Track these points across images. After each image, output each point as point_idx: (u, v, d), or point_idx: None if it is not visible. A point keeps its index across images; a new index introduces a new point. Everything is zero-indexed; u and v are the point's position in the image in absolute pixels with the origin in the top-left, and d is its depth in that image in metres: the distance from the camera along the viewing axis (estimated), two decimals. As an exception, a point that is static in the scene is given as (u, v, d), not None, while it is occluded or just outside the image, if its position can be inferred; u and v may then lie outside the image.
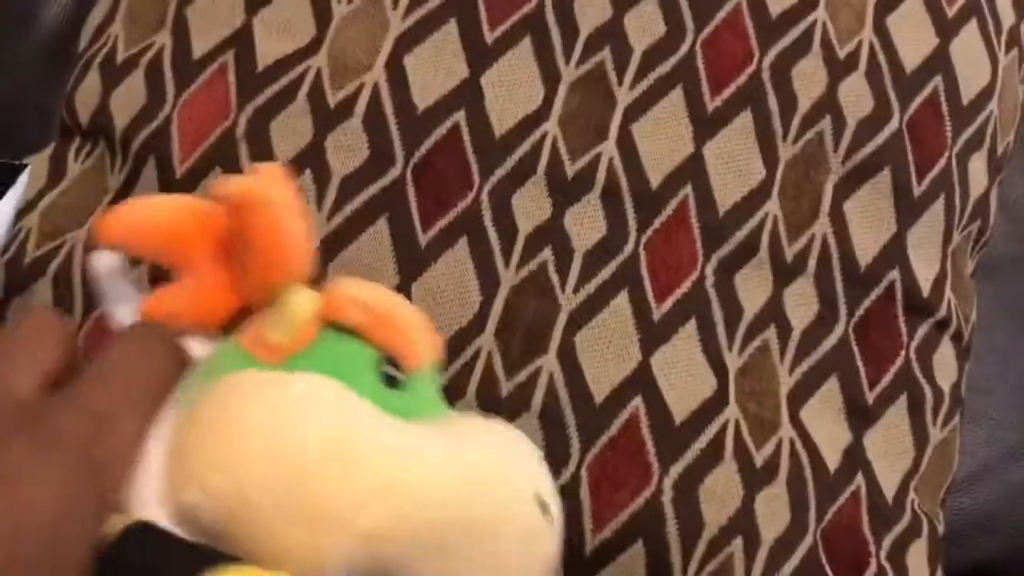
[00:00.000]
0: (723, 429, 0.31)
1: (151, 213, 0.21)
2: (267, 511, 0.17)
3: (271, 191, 0.20)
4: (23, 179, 0.31)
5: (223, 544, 0.18)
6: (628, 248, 0.32)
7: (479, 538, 0.19)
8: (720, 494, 0.30)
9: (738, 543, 0.30)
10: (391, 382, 0.20)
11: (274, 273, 0.20)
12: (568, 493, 0.30)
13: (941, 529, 0.35)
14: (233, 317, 0.22)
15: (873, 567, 0.32)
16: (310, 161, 0.32)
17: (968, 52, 0.37)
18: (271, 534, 0.17)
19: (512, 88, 0.33)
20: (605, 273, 0.32)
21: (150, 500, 0.18)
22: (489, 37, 0.33)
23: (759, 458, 0.31)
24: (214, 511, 0.17)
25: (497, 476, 0.20)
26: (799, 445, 0.32)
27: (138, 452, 0.18)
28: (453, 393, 0.30)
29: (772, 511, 0.31)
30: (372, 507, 0.18)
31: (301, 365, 0.19)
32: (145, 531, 0.17)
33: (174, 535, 0.18)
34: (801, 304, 0.34)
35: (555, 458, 0.30)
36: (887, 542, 0.33)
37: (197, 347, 0.21)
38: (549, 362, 0.31)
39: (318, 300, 0.20)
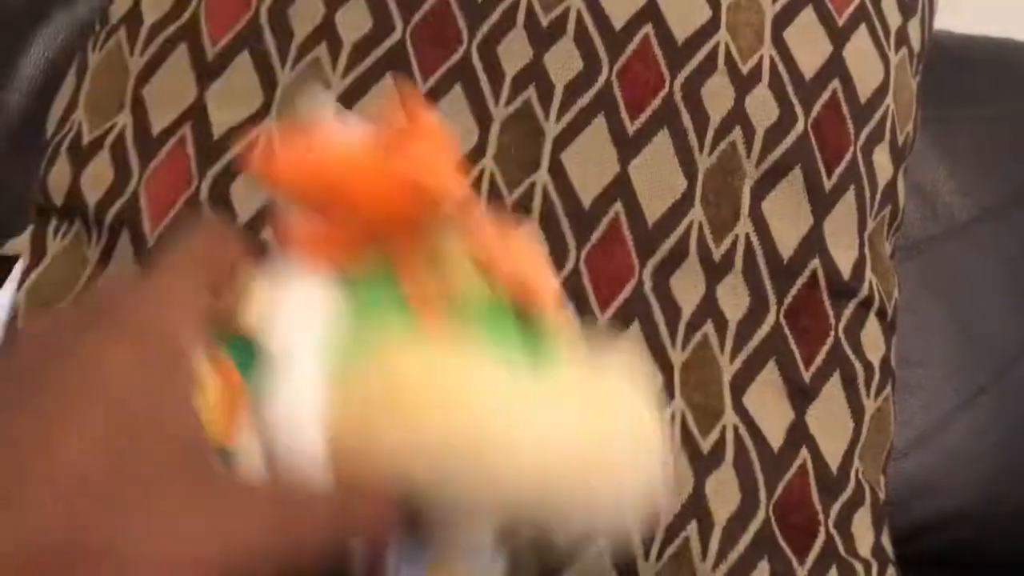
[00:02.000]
0: (670, 421, 0.34)
1: (323, 170, 0.19)
2: (451, 491, 0.19)
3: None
4: (17, 269, 0.33)
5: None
6: (569, 265, 0.35)
7: (610, 483, 0.20)
8: (671, 483, 0.33)
9: (692, 526, 0.33)
10: (524, 327, 0.21)
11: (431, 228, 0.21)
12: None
13: (883, 495, 0.38)
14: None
15: (822, 535, 0.35)
16: (270, 218, 0.34)
17: (861, 55, 0.40)
18: (455, 502, 0.19)
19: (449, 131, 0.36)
20: (551, 290, 0.35)
21: (308, 450, 0.19)
22: (423, 87, 0.36)
23: (705, 445, 0.34)
24: (400, 488, 0.19)
25: (638, 431, 0.21)
26: (742, 429, 0.35)
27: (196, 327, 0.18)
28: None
29: (722, 493, 0.34)
30: (521, 484, 0.19)
31: (460, 328, 0.20)
32: None
33: None
34: (733, 298, 0.37)
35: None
36: (834, 511, 0.36)
37: (317, 282, 0.21)
38: (506, 377, 0.34)
39: (472, 256, 0.20)
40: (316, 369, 0.20)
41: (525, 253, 0.22)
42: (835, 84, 0.39)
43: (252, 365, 0.20)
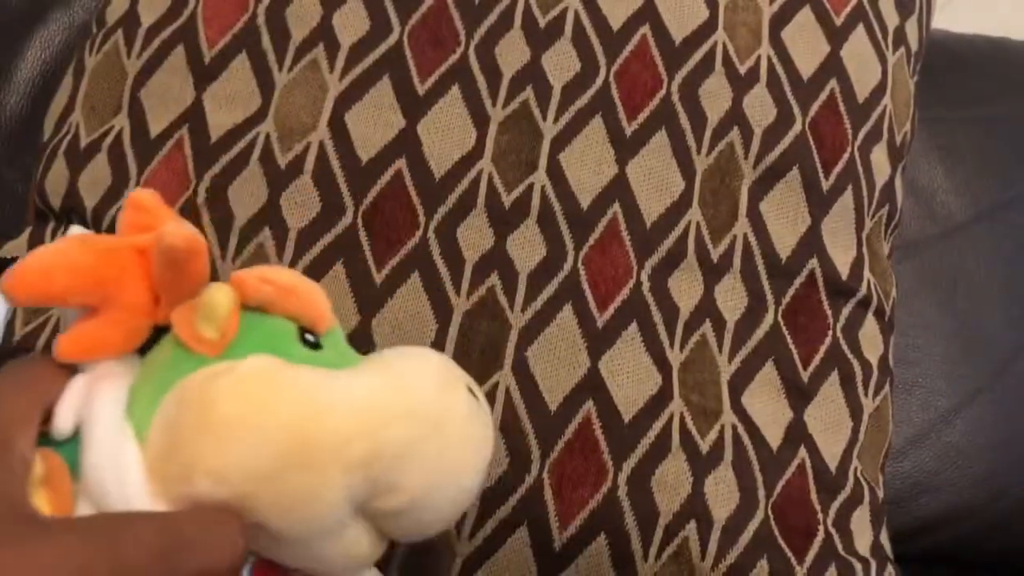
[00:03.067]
0: (669, 422, 0.34)
1: (54, 266, 0.21)
2: (271, 475, 0.21)
3: (192, 230, 0.22)
4: None
5: (240, 511, 0.21)
6: (567, 265, 0.35)
7: (435, 432, 0.23)
8: (671, 483, 0.33)
9: (692, 526, 0.33)
10: (313, 346, 0.23)
11: (196, 290, 0.23)
12: (533, 496, 0.32)
13: (881, 493, 0.38)
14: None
15: (821, 534, 0.35)
16: (267, 219, 0.34)
17: (859, 55, 0.40)
18: (279, 490, 0.21)
19: (446, 133, 0.36)
20: (549, 290, 0.35)
21: (136, 495, 0.21)
22: (420, 89, 0.36)
23: (704, 445, 0.34)
24: (225, 490, 0.21)
25: (437, 381, 0.24)
26: (741, 428, 0.35)
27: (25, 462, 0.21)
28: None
29: (721, 493, 0.34)
30: (353, 442, 0.21)
31: (239, 352, 0.22)
32: None
33: None
34: (732, 299, 0.37)
35: (518, 464, 0.33)
36: (833, 509, 0.36)
37: (111, 367, 0.23)
38: (505, 377, 0.34)
39: (232, 290, 0.23)
40: (118, 424, 0.21)
41: (288, 277, 0.24)
42: (833, 84, 0.39)
43: (69, 448, 0.21)
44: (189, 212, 0.35)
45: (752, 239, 0.37)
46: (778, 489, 0.35)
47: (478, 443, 0.24)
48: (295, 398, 0.21)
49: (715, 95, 0.38)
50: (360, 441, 0.21)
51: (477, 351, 0.34)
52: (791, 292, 0.37)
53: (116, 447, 0.21)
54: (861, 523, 0.36)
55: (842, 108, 0.39)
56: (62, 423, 0.21)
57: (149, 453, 0.21)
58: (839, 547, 0.35)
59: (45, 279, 0.21)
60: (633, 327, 0.35)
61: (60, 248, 0.22)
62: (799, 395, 0.37)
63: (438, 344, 0.34)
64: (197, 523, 0.20)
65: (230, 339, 0.22)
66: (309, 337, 0.23)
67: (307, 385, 0.22)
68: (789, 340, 0.37)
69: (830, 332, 0.38)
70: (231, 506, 0.21)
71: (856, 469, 0.37)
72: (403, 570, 0.31)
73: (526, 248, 0.35)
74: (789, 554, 0.34)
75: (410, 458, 0.22)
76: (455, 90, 0.37)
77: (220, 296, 0.22)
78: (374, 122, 0.36)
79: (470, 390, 0.25)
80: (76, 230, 0.24)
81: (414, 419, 0.22)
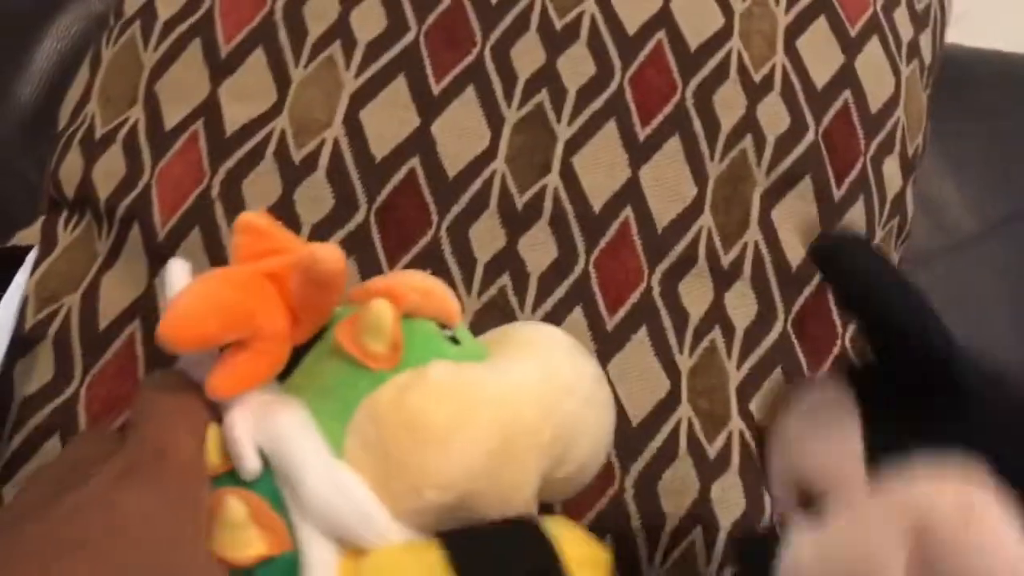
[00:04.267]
0: (677, 427, 0.34)
1: (206, 308, 0.21)
2: (485, 473, 0.22)
3: (336, 247, 0.22)
4: (30, 259, 0.34)
5: (460, 509, 0.22)
6: (579, 268, 0.35)
7: (588, 401, 0.25)
8: (678, 488, 0.33)
9: (698, 531, 0.33)
10: (454, 342, 0.24)
11: (335, 307, 0.24)
12: (540, 497, 0.33)
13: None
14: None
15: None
16: (280, 214, 0.34)
17: (873, 66, 0.40)
18: (494, 485, 0.22)
19: (461, 133, 0.36)
20: (559, 292, 0.35)
21: (378, 518, 0.21)
22: (436, 88, 0.37)
23: (712, 451, 0.34)
24: (451, 496, 0.22)
25: (569, 352, 0.26)
26: (748, 436, 0.35)
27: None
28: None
29: (728, 499, 0.34)
30: (542, 428, 0.23)
31: (408, 361, 0.23)
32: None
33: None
34: (741, 306, 0.37)
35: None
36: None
37: (258, 397, 0.22)
38: (513, 379, 0.34)
39: (390, 303, 0.23)
40: (325, 450, 0.22)
41: (421, 279, 0.25)
42: (846, 94, 0.39)
43: (259, 485, 0.21)
44: (203, 205, 0.35)
45: (763, 247, 0.37)
46: (784, 497, 0.35)
47: (611, 403, 0.26)
48: (489, 396, 0.22)
49: (729, 102, 0.38)
50: (546, 425, 0.23)
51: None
52: (801, 300, 0.38)
53: (334, 475, 0.21)
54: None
55: (855, 118, 0.39)
56: (252, 463, 0.21)
57: (372, 472, 0.21)
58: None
59: (201, 323, 0.21)
60: (643, 331, 0.35)
61: (203, 289, 0.22)
62: (806, 404, 0.37)
63: (448, 343, 0.34)
64: None
65: (401, 350, 0.23)
66: (448, 333, 0.24)
67: (491, 382, 0.23)
68: (798, 348, 0.37)
69: (839, 341, 0.38)
70: (453, 507, 0.22)
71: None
72: None
73: (538, 249, 0.35)
74: (794, 562, 0.34)
75: (579, 430, 0.24)
76: (470, 90, 0.37)
77: (384, 310, 0.22)
78: (389, 120, 0.36)
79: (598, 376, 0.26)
80: (177, 265, 0.24)
81: (574, 394, 0.24)
